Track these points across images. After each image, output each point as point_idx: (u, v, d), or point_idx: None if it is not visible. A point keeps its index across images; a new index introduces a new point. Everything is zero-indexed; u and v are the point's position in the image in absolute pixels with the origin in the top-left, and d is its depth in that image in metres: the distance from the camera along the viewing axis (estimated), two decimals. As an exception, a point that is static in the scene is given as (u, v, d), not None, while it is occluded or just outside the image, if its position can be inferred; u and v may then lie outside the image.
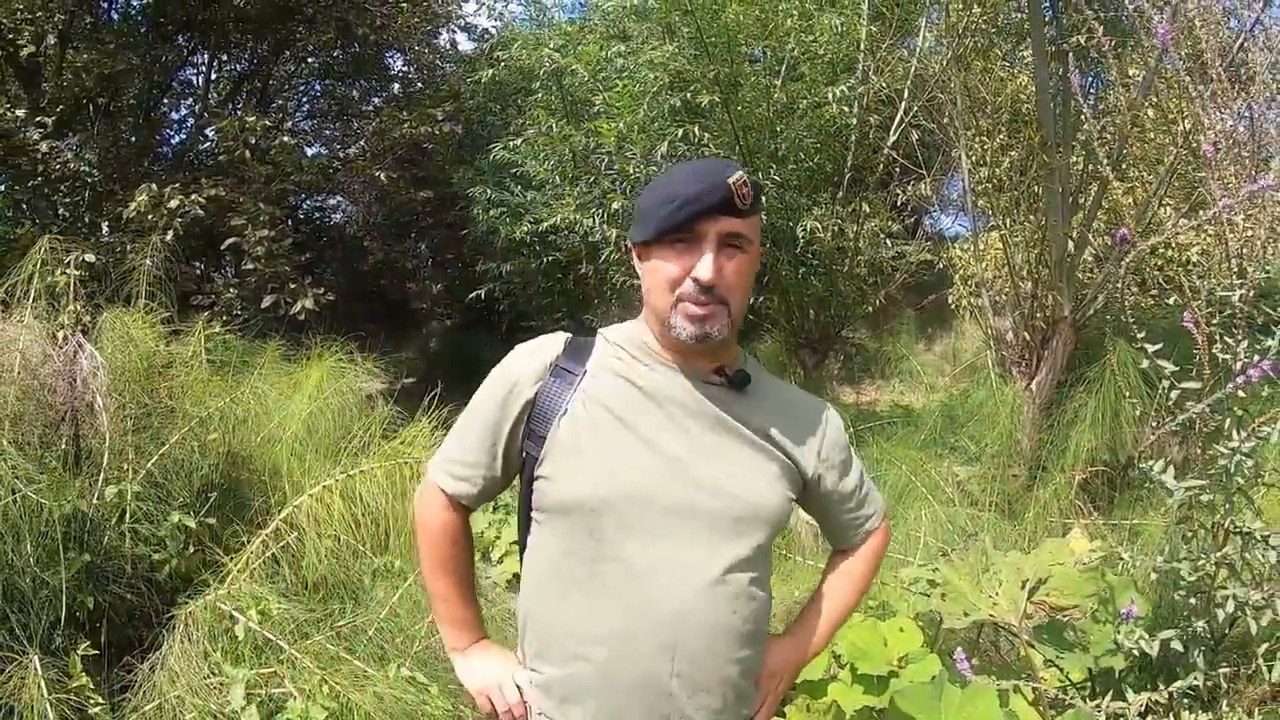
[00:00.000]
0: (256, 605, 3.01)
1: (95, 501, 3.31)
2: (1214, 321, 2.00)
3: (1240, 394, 1.97)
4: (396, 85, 12.92)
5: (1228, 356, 1.98)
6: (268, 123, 9.07)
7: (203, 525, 3.53)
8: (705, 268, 1.41)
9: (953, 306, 9.50)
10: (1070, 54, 3.61)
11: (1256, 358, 1.92)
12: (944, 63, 6.42)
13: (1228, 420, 2.02)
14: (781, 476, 1.55)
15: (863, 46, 6.98)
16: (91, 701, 2.73)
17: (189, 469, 3.80)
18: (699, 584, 1.44)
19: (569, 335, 1.59)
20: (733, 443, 1.52)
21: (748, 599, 1.48)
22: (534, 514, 1.55)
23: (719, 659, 1.46)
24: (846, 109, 7.02)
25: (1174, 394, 2.09)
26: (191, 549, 3.46)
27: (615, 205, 7.15)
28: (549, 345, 1.57)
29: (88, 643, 2.93)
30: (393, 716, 2.86)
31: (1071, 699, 2.21)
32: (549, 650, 1.51)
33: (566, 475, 1.48)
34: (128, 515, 3.36)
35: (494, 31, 12.47)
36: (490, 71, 9.41)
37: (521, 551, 1.62)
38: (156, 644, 2.97)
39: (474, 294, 9.59)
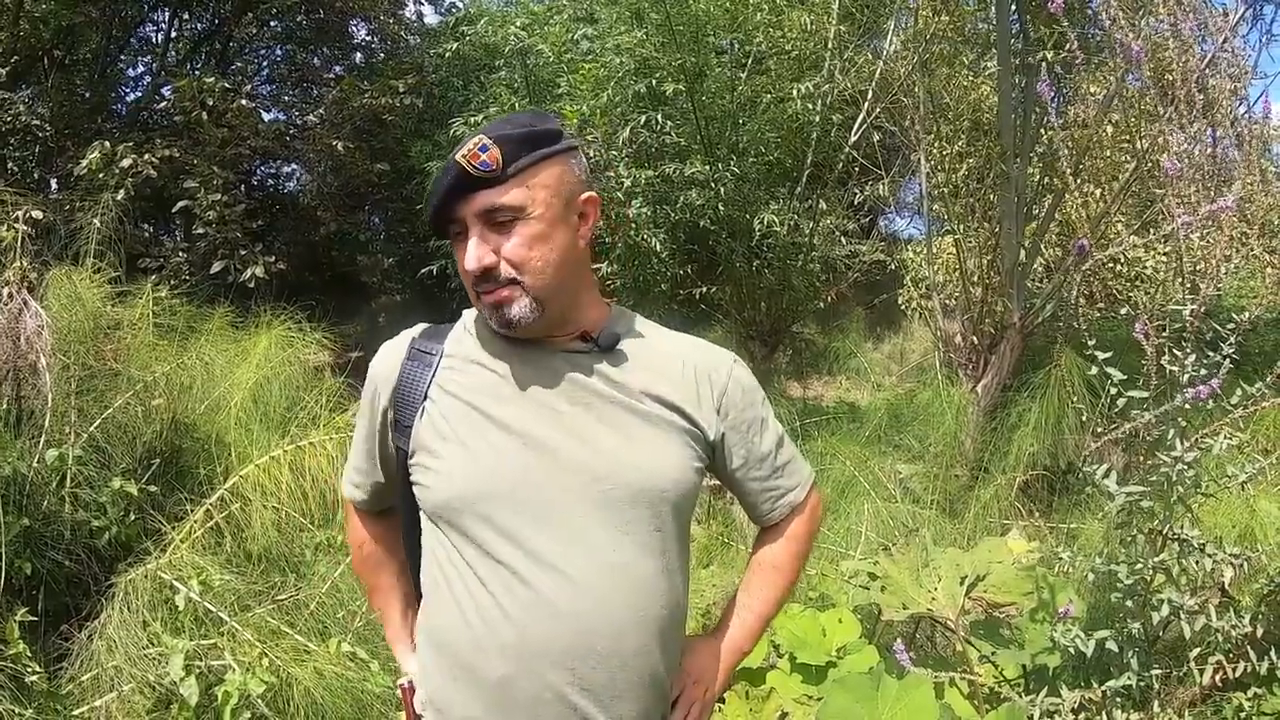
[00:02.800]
0: (198, 576, 2.98)
1: (35, 464, 3.25)
2: (1164, 334, 2.05)
3: (1184, 406, 2.03)
4: (359, 54, 12.78)
5: (1175, 369, 2.03)
6: (226, 85, 8.87)
7: (145, 492, 3.48)
8: (468, 258, 1.30)
9: (902, 307, 9.63)
10: (1042, 65, 3.68)
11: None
12: (909, 67, 6.49)
13: (1171, 430, 2.07)
14: (683, 443, 1.39)
15: (830, 45, 7.01)
16: (29, 669, 2.68)
17: (132, 434, 3.75)
18: (592, 579, 1.30)
19: (426, 324, 1.50)
20: (613, 414, 1.37)
21: (649, 591, 1.34)
22: (421, 517, 1.43)
23: (628, 661, 1.32)
24: (810, 106, 7.03)
25: (1120, 402, 2.14)
26: (133, 516, 3.41)
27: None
28: (407, 333, 1.49)
29: (25, 609, 2.86)
30: (332, 692, 2.86)
31: (1006, 694, 2.27)
32: (442, 668, 1.38)
33: (433, 476, 1.36)
34: (68, 479, 3.31)
35: (460, 5, 12.33)
36: (454, 46, 9.25)
37: (415, 558, 1.52)
38: (95, 612, 2.93)
39: (426, 269, 9.51)
